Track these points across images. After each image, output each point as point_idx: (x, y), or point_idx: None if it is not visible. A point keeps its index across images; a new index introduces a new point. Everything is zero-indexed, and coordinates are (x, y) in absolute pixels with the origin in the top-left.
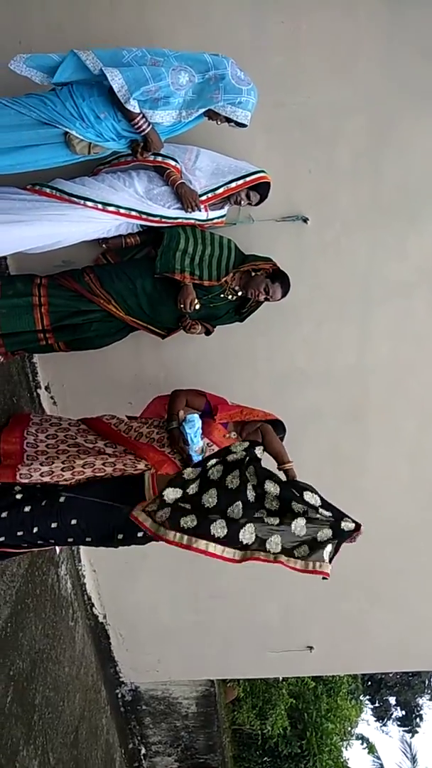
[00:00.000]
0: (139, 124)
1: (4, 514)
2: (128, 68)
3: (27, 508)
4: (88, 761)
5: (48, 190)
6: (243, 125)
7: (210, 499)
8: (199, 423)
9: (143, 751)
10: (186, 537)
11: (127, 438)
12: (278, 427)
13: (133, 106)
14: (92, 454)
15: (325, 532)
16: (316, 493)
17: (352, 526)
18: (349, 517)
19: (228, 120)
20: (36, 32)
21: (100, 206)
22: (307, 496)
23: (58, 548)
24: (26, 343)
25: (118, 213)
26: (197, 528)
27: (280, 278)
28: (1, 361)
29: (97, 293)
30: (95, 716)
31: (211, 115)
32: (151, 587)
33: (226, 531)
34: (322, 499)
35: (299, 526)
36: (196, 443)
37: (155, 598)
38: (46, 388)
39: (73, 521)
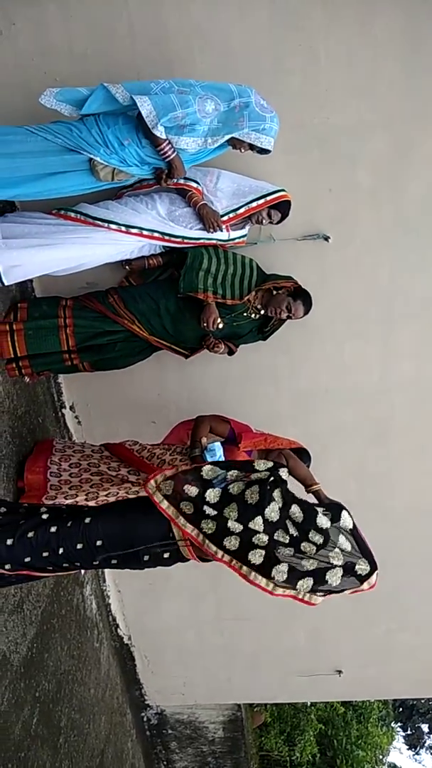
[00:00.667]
0: (165, 150)
1: (30, 534)
2: (156, 96)
3: (53, 529)
4: None
5: (72, 214)
6: (267, 151)
7: (231, 513)
8: (221, 451)
9: None
10: (228, 557)
11: (149, 465)
12: (304, 455)
13: (160, 132)
14: (116, 483)
15: (335, 573)
16: (348, 513)
17: (367, 569)
18: (367, 560)
19: (252, 147)
20: (61, 62)
21: (123, 228)
22: (332, 530)
23: (83, 570)
24: (52, 363)
25: (141, 235)
26: (237, 551)
27: (302, 296)
28: (27, 381)
29: (121, 314)
30: (121, 740)
31: (235, 143)
32: (175, 609)
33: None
34: (353, 524)
35: (308, 562)
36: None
37: (180, 620)
38: (71, 408)
39: (99, 542)
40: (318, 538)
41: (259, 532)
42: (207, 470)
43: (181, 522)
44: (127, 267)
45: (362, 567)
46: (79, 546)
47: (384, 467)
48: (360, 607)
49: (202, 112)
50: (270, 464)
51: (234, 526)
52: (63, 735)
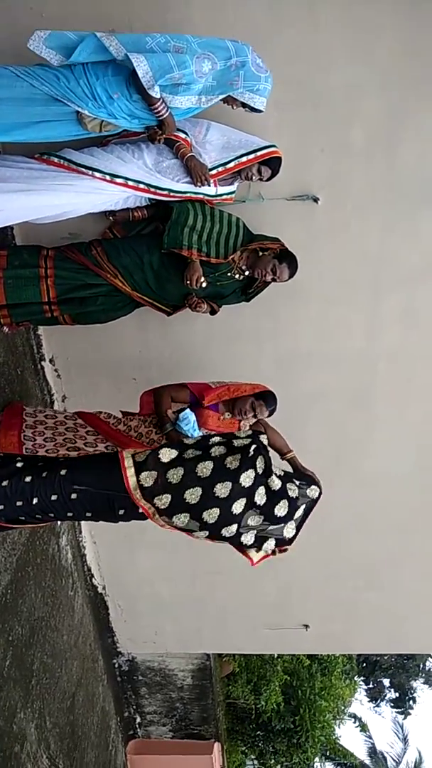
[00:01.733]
0: (159, 109)
1: (4, 483)
2: (153, 54)
3: (27, 479)
4: (84, 727)
5: (56, 160)
6: (259, 111)
7: (205, 470)
8: (192, 417)
9: (138, 719)
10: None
11: (127, 438)
12: (269, 398)
13: (156, 92)
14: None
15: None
16: (318, 487)
17: (315, 493)
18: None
19: (244, 105)
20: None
21: (108, 177)
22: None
23: (59, 521)
24: (32, 314)
25: (126, 185)
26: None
27: (287, 259)
28: (6, 332)
29: (104, 267)
30: (92, 684)
31: (228, 100)
32: (150, 561)
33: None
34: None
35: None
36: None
37: (154, 571)
38: (51, 360)
39: (73, 495)
40: (284, 510)
41: (233, 503)
42: (164, 452)
43: (158, 519)
44: (111, 218)
45: (289, 529)
46: (53, 497)
47: (361, 432)
48: (329, 565)
49: (199, 72)
50: (249, 432)
51: (193, 493)
52: (35, 678)
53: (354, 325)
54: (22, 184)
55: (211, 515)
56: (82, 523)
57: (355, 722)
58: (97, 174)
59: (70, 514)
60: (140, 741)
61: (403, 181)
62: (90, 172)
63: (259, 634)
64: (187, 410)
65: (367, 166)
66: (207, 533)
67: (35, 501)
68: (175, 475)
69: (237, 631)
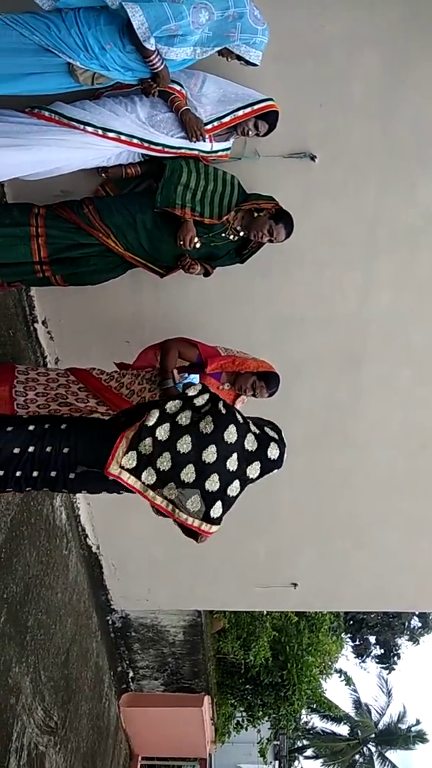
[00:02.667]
0: (154, 62)
1: (9, 428)
2: (149, 4)
3: (31, 427)
4: (78, 681)
5: (47, 114)
6: (254, 65)
7: (185, 445)
8: (199, 386)
9: (131, 674)
10: (171, 506)
11: (117, 395)
12: (271, 380)
13: (151, 44)
14: (84, 414)
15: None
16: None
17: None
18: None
19: (239, 58)
20: None
21: (100, 132)
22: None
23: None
24: (23, 274)
25: (118, 140)
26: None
27: (283, 219)
28: None
29: (96, 226)
30: (86, 640)
31: (223, 52)
32: (143, 521)
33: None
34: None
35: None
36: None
37: (146, 530)
38: (43, 322)
39: (66, 449)
40: (256, 472)
41: (212, 470)
42: (170, 406)
43: (150, 495)
44: (103, 174)
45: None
46: (48, 448)
47: (351, 395)
48: (318, 525)
49: (196, 23)
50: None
51: (188, 473)
52: (30, 634)
53: (347, 288)
54: (12, 138)
55: (213, 482)
56: None
57: (341, 677)
58: (89, 128)
59: (53, 474)
60: (133, 694)
61: (401, 140)
62: (82, 127)
63: (249, 592)
64: (196, 376)
65: (365, 123)
66: (220, 503)
67: (32, 449)
68: (164, 462)
69: (228, 588)
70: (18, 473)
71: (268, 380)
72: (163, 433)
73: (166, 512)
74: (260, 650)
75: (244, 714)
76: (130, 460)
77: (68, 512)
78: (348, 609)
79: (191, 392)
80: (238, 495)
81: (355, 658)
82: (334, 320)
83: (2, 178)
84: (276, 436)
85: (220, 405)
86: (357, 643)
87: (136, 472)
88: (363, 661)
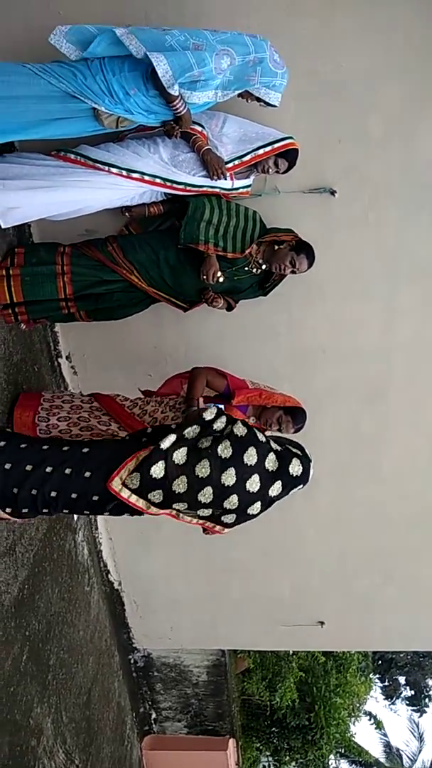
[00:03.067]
0: (177, 106)
1: (7, 466)
2: (172, 53)
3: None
4: (100, 722)
5: (73, 156)
6: (273, 106)
7: (204, 469)
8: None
9: (154, 715)
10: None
11: (140, 422)
12: (298, 415)
13: (175, 90)
14: (106, 437)
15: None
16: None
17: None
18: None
19: (258, 99)
20: None
21: (124, 173)
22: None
23: (75, 515)
24: (48, 311)
25: (142, 180)
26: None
27: (305, 249)
28: (23, 328)
29: (120, 263)
30: (108, 680)
31: (243, 94)
32: (165, 557)
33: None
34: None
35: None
36: None
37: (169, 567)
38: (67, 357)
39: (87, 473)
40: (278, 491)
41: (231, 492)
42: (167, 441)
43: (154, 510)
44: (127, 213)
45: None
46: (67, 471)
47: (376, 428)
48: (345, 561)
49: (218, 69)
50: (224, 417)
51: (206, 494)
52: (52, 673)
53: (370, 320)
54: (39, 180)
55: (231, 503)
56: (99, 519)
57: (370, 720)
58: (113, 169)
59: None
60: (156, 737)
61: (421, 172)
62: (106, 168)
63: (274, 631)
64: (221, 408)
65: (385, 157)
66: (234, 516)
67: (49, 469)
68: (180, 485)
69: (252, 627)
70: (33, 491)
71: (295, 415)
72: (180, 456)
73: (169, 515)
74: (286, 691)
75: (270, 758)
76: (134, 480)
77: (90, 547)
78: (377, 649)
79: (208, 416)
80: (259, 513)
81: (384, 699)
82: (356, 352)
83: (29, 218)
84: (299, 453)
85: (238, 427)
86: (386, 683)
87: (139, 491)
88: (393, 703)
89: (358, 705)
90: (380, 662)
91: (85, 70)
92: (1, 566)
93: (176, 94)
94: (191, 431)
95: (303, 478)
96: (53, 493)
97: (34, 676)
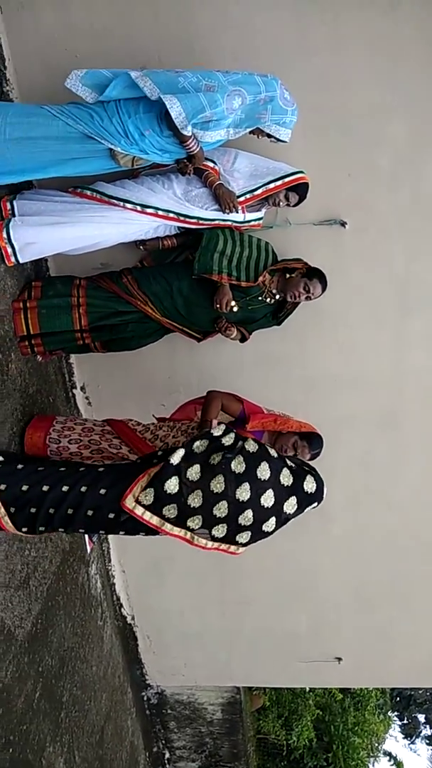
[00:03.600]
0: (190, 146)
1: (20, 466)
2: (185, 95)
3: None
4: (113, 762)
5: (89, 193)
6: (283, 141)
7: (218, 485)
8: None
9: (167, 755)
10: (189, 534)
11: (152, 447)
12: (314, 441)
13: (188, 131)
14: (116, 460)
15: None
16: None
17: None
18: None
19: (269, 136)
20: (81, 38)
21: (138, 208)
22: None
23: (88, 547)
24: (64, 342)
25: (156, 215)
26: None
27: (316, 274)
28: (40, 360)
29: (134, 294)
30: (121, 717)
31: (255, 131)
32: (178, 590)
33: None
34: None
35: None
36: None
37: (183, 601)
38: (82, 388)
39: (102, 490)
40: (293, 507)
41: (246, 507)
42: (177, 456)
43: (168, 527)
44: (141, 247)
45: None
46: (64, 488)
47: (391, 456)
48: (362, 593)
49: (230, 109)
50: (232, 434)
51: (221, 508)
52: (65, 710)
53: (381, 348)
54: (56, 216)
55: (245, 518)
56: (112, 552)
57: (389, 760)
58: (128, 205)
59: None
60: None
61: (429, 202)
62: (121, 204)
63: (291, 667)
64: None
65: (393, 188)
66: (249, 534)
67: (45, 488)
68: (195, 499)
69: (267, 663)
70: (51, 510)
71: (311, 441)
72: (194, 473)
73: (183, 539)
74: (303, 730)
75: None
76: (148, 497)
77: (103, 580)
78: (396, 685)
79: (216, 432)
80: (274, 530)
81: (403, 738)
82: (368, 379)
83: (47, 253)
84: (313, 471)
85: (250, 443)
86: (405, 722)
87: (153, 508)
88: (412, 742)
89: (376, 744)
90: (398, 699)
91: (102, 112)
92: (15, 600)
93: (189, 134)
94: (199, 445)
95: (318, 495)
96: (70, 510)
97: (47, 714)
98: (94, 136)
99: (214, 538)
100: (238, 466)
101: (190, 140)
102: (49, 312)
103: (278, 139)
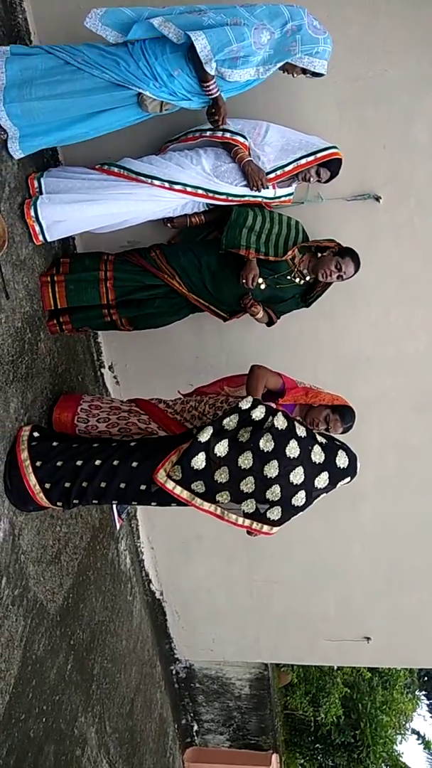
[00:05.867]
0: (210, 88)
1: (54, 443)
2: (211, 29)
3: (79, 462)
4: (143, 733)
5: (116, 170)
6: (320, 75)
7: (246, 461)
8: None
9: (195, 727)
10: (219, 509)
11: (179, 424)
12: (346, 414)
13: (212, 68)
14: (145, 435)
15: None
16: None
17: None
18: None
19: (304, 72)
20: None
21: (166, 185)
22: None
23: (118, 524)
24: (91, 319)
25: (184, 191)
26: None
27: (349, 253)
28: (67, 334)
29: (162, 268)
30: (150, 690)
31: (288, 68)
32: (207, 568)
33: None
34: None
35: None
36: None
37: (211, 578)
38: (110, 367)
39: (134, 463)
40: (325, 482)
41: (273, 483)
42: (206, 434)
43: (198, 502)
44: (169, 224)
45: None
46: (115, 462)
47: (424, 438)
48: (393, 575)
49: (258, 43)
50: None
51: (248, 483)
52: (95, 682)
53: (416, 326)
54: (83, 194)
55: (273, 493)
56: (141, 529)
57: (417, 739)
58: (156, 182)
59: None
60: (198, 749)
61: None
62: (149, 180)
63: (319, 645)
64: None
65: (430, 162)
66: (280, 510)
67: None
68: (222, 475)
69: (295, 641)
70: (84, 484)
71: (343, 415)
72: (222, 449)
73: (214, 515)
74: (331, 707)
75: None
76: (176, 472)
77: (132, 557)
78: (425, 666)
79: (244, 405)
80: (305, 505)
81: (431, 717)
82: (403, 359)
83: (74, 231)
84: (345, 446)
85: (279, 419)
86: None
87: (183, 482)
88: None
89: (404, 723)
90: (426, 679)
91: (127, 56)
92: (48, 575)
93: (212, 72)
94: (229, 421)
95: (350, 470)
96: (103, 484)
97: (78, 685)
98: (122, 83)
99: (245, 515)
100: (266, 444)
101: (212, 82)
102: (76, 286)
103: (315, 73)
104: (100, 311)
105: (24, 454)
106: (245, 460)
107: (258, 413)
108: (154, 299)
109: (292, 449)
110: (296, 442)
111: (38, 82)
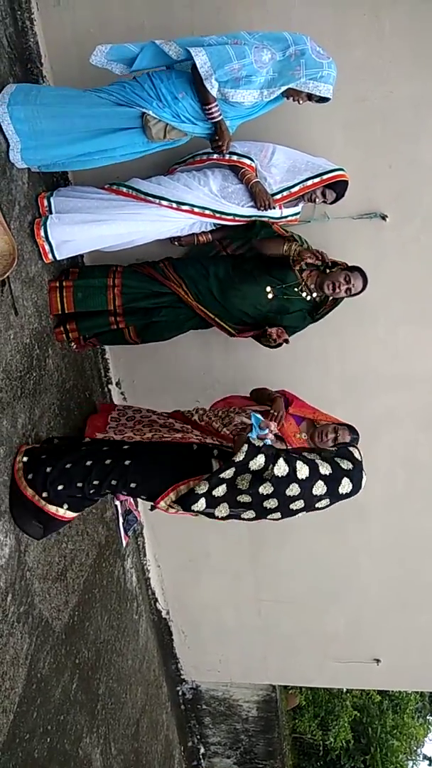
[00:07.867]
0: (212, 110)
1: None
2: (211, 47)
3: (88, 463)
4: (148, 755)
5: (125, 190)
6: (326, 100)
7: (245, 499)
8: (260, 419)
9: (202, 750)
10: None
11: (201, 425)
12: (352, 428)
13: (212, 86)
14: (172, 429)
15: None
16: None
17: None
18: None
19: (310, 97)
20: (117, 34)
21: (174, 205)
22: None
23: (124, 541)
24: (98, 327)
25: (192, 212)
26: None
27: (357, 269)
28: (74, 349)
29: (170, 277)
30: (156, 711)
31: (293, 94)
32: (214, 587)
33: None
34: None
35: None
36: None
37: (218, 597)
38: (117, 383)
39: (127, 462)
40: (324, 504)
41: (272, 512)
42: (203, 487)
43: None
44: (176, 243)
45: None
46: (107, 461)
47: None
48: (402, 596)
49: (259, 62)
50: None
51: (248, 515)
52: (101, 702)
53: (424, 346)
54: (92, 214)
55: (273, 518)
56: (147, 547)
57: (429, 764)
58: (164, 202)
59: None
60: None
61: None
62: (157, 201)
63: (327, 667)
64: (257, 415)
65: None
66: (279, 513)
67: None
68: (222, 510)
69: (304, 662)
70: (96, 482)
71: (350, 426)
72: (219, 491)
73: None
74: (340, 731)
75: None
76: (176, 508)
77: (138, 574)
78: None
79: (239, 458)
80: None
81: None
82: (411, 377)
83: (83, 250)
84: (349, 468)
85: (280, 467)
86: None
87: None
88: None
89: (415, 748)
90: None
91: (133, 82)
92: (53, 592)
93: (213, 93)
94: (225, 475)
95: (353, 491)
96: (113, 482)
97: (83, 705)
98: (125, 102)
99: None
100: (266, 489)
101: (213, 104)
102: (84, 292)
103: (321, 99)
104: (107, 318)
105: (23, 484)
106: (244, 498)
107: (256, 464)
108: (161, 308)
109: (293, 490)
110: (297, 485)
111: (45, 102)
